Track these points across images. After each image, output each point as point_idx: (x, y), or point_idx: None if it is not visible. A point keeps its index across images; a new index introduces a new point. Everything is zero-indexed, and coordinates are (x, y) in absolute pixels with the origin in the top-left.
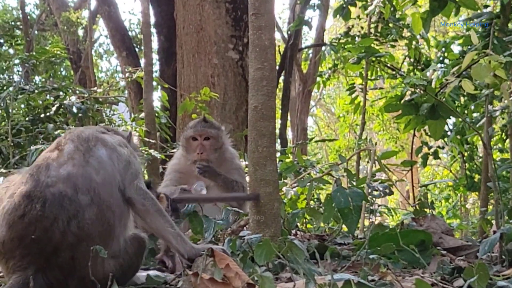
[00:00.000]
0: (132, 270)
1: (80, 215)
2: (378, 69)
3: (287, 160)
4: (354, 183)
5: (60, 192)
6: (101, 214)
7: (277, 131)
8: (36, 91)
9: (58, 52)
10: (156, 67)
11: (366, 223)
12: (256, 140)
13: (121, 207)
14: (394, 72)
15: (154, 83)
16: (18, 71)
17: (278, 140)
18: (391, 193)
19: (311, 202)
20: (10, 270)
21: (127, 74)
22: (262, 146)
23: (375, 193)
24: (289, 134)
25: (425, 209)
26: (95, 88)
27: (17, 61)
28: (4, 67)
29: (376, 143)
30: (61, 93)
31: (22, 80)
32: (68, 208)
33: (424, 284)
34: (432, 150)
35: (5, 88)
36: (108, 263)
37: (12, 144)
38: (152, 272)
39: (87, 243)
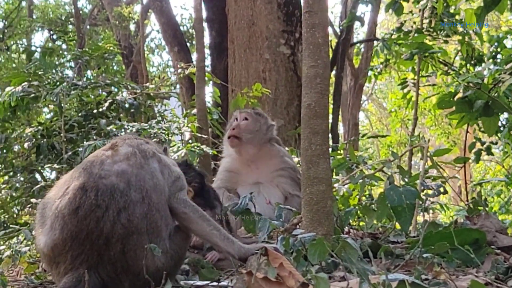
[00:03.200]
0: (180, 260)
1: (131, 209)
2: (431, 64)
3: (339, 157)
4: (407, 180)
5: (113, 184)
6: (150, 214)
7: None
8: (88, 86)
9: (111, 48)
10: (208, 62)
11: (420, 219)
12: (310, 138)
13: (167, 215)
14: (446, 67)
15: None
16: (70, 66)
17: (330, 136)
18: (445, 192)
19: (363, 198)
20: (61, 273)
21: (179, 70)
22: (316, 144)
23: (429, 192)
24: (341, 129)
25: (479, 207)
26: (147, 84)
27: (69, 57)
28: (57, 63)
29: (429, 140)
30: (113, 88)
31: (74, 76)
32: (118, 200)
33: (478, 284)
34: (485, 146)
35: (58, 84)
36: (159, 259)
37: (65, 139)
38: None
39: (137, 237)
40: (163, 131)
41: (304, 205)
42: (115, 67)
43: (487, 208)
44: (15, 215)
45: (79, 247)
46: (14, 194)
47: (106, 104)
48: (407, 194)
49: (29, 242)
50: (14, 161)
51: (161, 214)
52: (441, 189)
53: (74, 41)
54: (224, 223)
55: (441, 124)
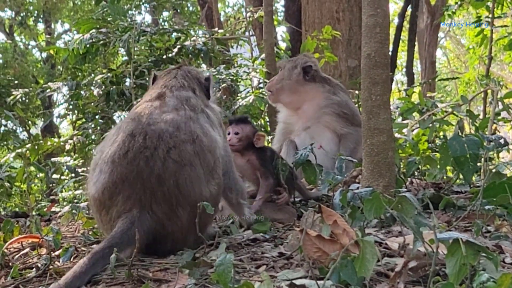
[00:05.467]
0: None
1: (182, 147)
2: (506, 2)
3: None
4: (477, 125)
5: (162, 129)
6: (202, 153)
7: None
8: (157, 32)
9: None
10: (281, 3)
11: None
12: (370, 89)
13: (217, 156)
14: None
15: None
16: (138, 12)
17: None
18: (506, 144)
19: (437, 140)
20: (113, 217)
21: (248, 14)
22: (376, 95)
23: (489, 144)
24: (418, 67)
25: None
26: (217, 28)
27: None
28: (127, 7)
29: (500, 83)
30: (181, 34)
31: (143, 22)
32: (167, 141)
33: None
34: None
35: (126, 30)
36: (211, 186)
37: (134, 86)
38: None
39: (190, 169)
40: (232, 77)
41: (365, 156)
42: (190, 8)
43: None
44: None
45: (130, 187)
46: (86, 140)
47: (175, 50)
48: (470, 144)
49: None
50: (84, 107)
51: (213, 155)
52: (502, 141)
53: None
54: (288, 177)
55: None
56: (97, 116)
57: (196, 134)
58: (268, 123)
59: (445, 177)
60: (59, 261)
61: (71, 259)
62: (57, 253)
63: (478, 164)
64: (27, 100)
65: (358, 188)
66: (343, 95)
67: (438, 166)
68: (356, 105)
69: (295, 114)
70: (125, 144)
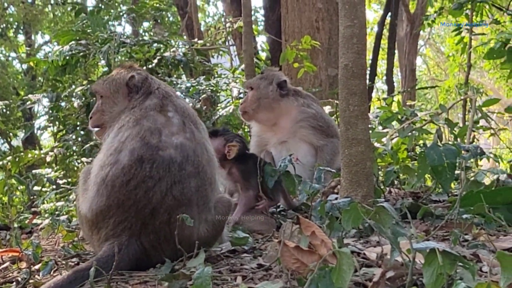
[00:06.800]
0: (221, 228)
1: (186, 182)
2: (485, 10)
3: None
4: (455, 133)
5: (171, 157)
6: (203, 188)
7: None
8: (137, 44)
9: (158, 5)
10: (261, 12)
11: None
12: (347, 99)
13: (217, 187)
14: (502, 12)
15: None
16: (119, 24)
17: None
18: (483, 153)
19: (417, 149)
20: (101, 239)
21: (227, 24)
22: (353, 105)
23: (466, 154)
24: (398, 75)
25: None
26: (196, 39)
27: (116, 14)
28: (107, 18)
29: (480, 90)
30: (161, 45)
31: (122, 33)
32: (175, 173)
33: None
34: None
35: (106, 41)
36: (203, 227)
37: None
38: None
39: (185, 208)
40: (211, 87)
41: (343, 166)
42: (170, 18)
43: None
44: (75, 168)
45: (123, 214)
46: (67, 152)
47: (155, 61)
48: (447, 153)
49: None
50: (65, 119)
51: (212, 187)
52: (478, 151)
53: None
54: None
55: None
56: (78, 128)
57: (202, 165)
58: (248, 133)
59: (423, 186)
60: (39, 275)
61: (51, 273)
62: (37, 267)
63: (456, 172)
64: (8, 112)
65: (336, 198)
66: (317, 106)
67: (416, 175)
68: (335, 115)
69: (270, 130)
70: (130, 171)
